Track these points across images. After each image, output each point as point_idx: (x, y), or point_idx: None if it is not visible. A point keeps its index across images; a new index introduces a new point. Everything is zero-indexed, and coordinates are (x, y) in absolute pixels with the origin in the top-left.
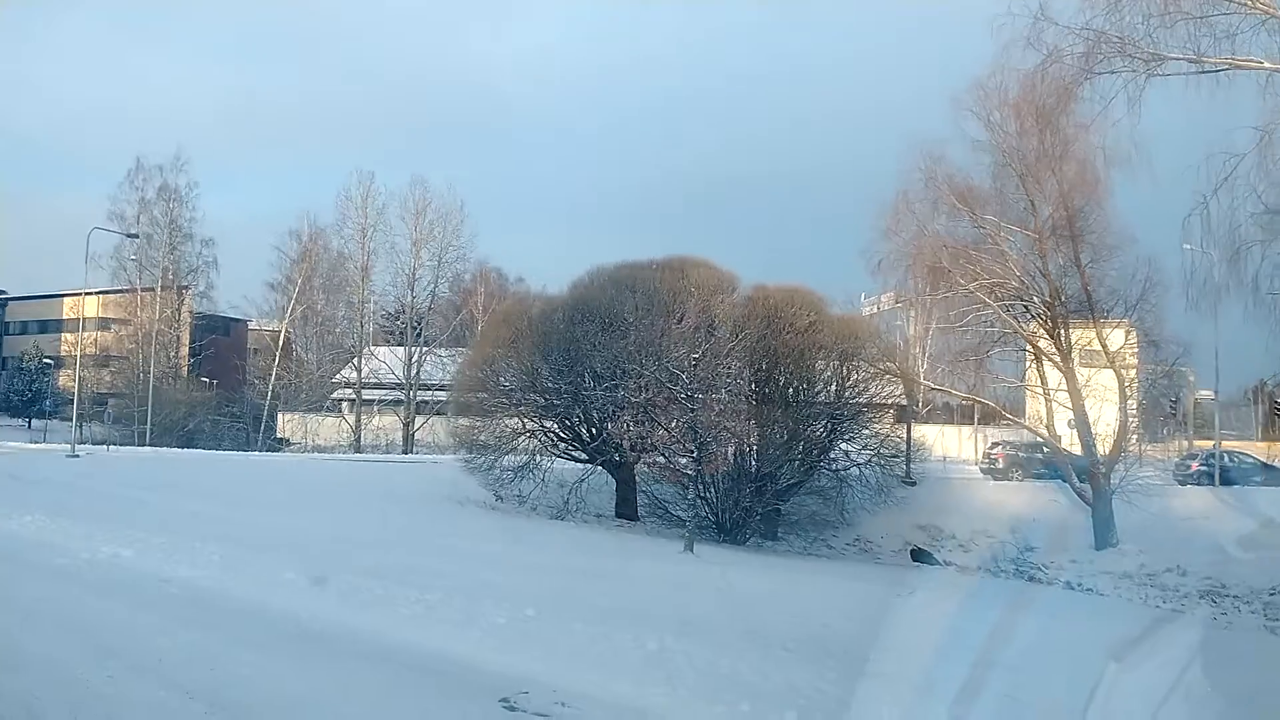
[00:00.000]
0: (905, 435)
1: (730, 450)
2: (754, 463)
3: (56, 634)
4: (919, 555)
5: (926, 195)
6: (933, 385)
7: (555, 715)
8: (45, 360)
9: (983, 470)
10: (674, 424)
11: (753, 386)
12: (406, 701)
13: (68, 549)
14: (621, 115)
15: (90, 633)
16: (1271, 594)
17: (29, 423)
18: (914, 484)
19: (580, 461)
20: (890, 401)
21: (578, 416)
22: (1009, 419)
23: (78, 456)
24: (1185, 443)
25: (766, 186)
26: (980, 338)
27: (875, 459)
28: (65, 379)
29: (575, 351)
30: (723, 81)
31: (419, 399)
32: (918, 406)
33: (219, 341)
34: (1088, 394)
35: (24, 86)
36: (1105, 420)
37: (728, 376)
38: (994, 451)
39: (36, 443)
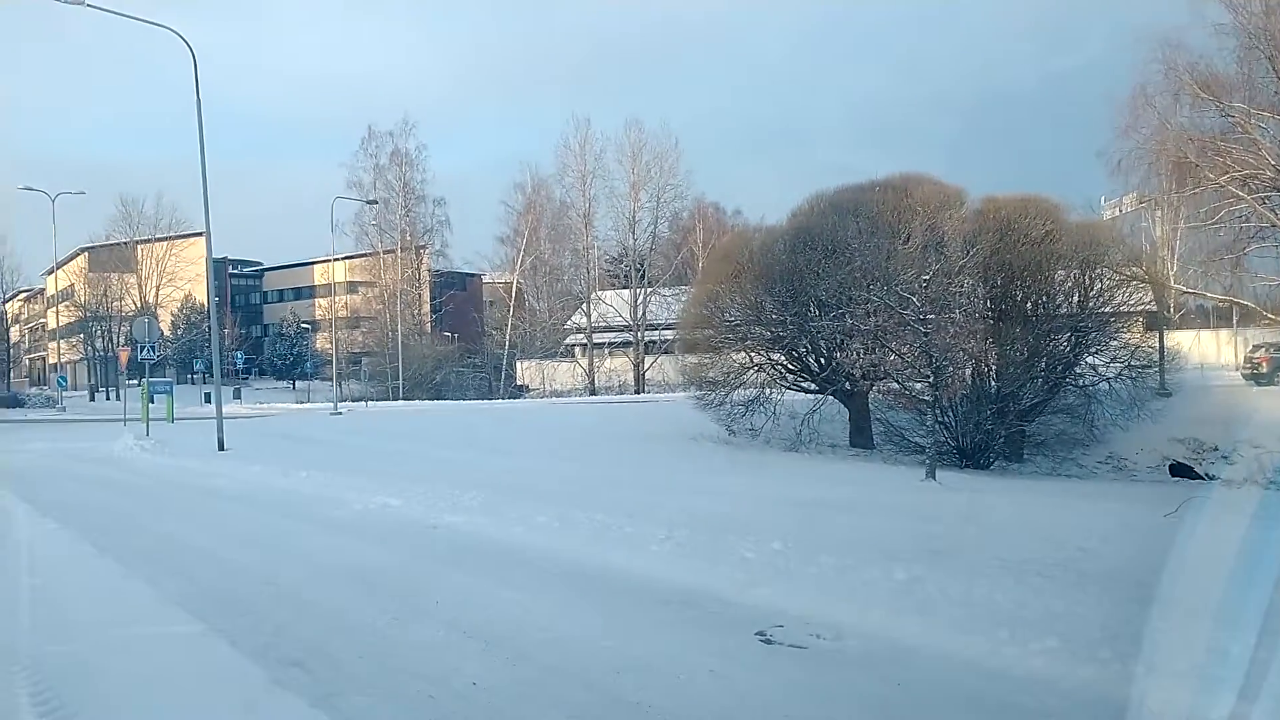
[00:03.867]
0: (1157, 344)
1: (968, 372)
2: (994, 383)
3: (340, 582)
4: (1179, 470)
5: (1166, 87)
6: (1185, 289)
7: (811, 647)
8: (303, 325)
9: (1245, 376)
10: (906, 349)
11: (988, 304)
12: (670, 635)
13: (341, 500)
14: (825, 32)
15: (369, 579)
16: None
17: (293, 384)
18: (1169, 395)
19: (810, 393)
20: (1139, 309)
21: (805, 347)
22: (1271, 319)
23: (340, 414)
24: None
25: (987, 96)
26: (1235, 234)
27: (1125, 371)
28: (322, 341)
29: (798, 282)
30: None
31: (647, 339)
32: (1169, 312)
33: (456, 296)
34: None
35: (257, 69)
36: None
37: (960, 295)
38: (1256, 355)
39: (301, 403)
